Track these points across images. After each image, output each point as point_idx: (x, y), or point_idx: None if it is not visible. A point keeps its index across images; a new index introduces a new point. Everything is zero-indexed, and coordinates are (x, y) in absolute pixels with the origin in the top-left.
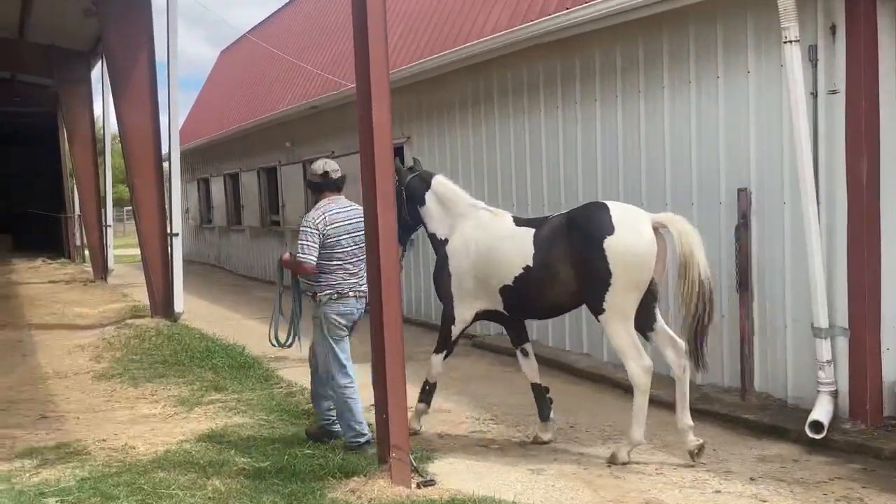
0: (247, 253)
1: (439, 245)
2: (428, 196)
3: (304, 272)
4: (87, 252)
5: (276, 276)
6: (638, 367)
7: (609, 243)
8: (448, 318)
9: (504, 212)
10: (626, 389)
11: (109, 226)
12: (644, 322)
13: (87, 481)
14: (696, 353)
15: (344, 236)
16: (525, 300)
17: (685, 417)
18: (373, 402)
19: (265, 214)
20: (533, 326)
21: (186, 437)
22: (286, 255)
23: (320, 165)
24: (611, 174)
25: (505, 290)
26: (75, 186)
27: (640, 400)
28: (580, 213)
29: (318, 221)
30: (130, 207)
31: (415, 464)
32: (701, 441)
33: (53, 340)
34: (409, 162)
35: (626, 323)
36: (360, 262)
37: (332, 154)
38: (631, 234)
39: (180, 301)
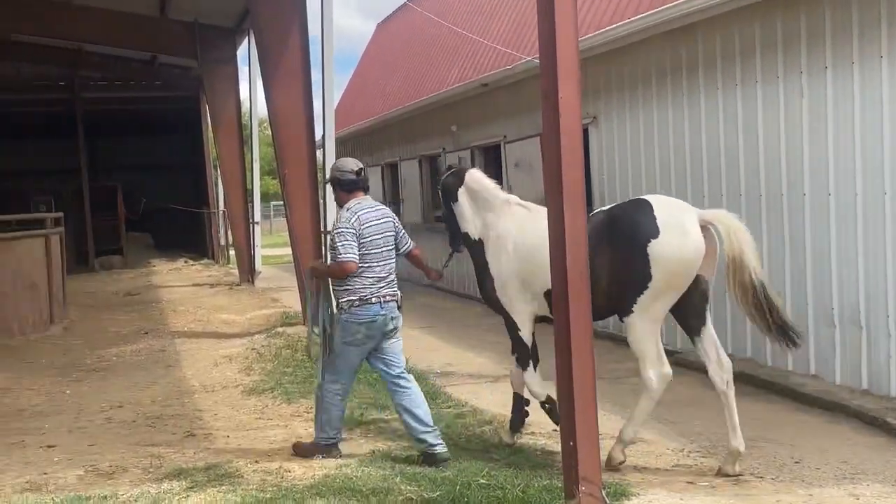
0: None
1: (472, 245)
2: (460, 192)
3: (349, 271)
4: (231, 252)
5: (307, 287)
6: (655, 373)
7: (653, 247)
8: (510, 325)
9: (541, 208)
10: (866, 421)
11: (257, 223)
12: (693, 325)
13: None
14: (783, 336)
15: (377, 236)
16: None
17: (735, 439)
18: (553, 427)
19: (427, 209)
20: (747, 342)
21: (346, 462)
22: (316, 264)
23: (353, 163)
24: (845, 155)
25: (548, 295)
26: (219, 179)
27: (646, 404)
28: (622, 213)
29: (352, 221)
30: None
31: (608, 501)
32: (739, 469)
33: (199, 350)
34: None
35: (654, 326)
36: (388, 265)
37: (505, 138)
38: (677, 237)
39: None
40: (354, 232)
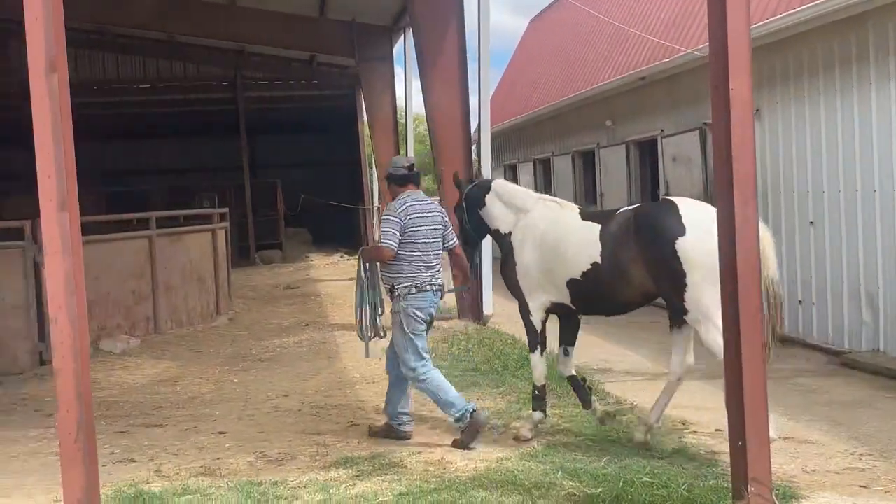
0: None
1: (502, 238)
2: (488, 198)
3: (384, 257)
4: None
5: (357, 269)
6: (679, 366)
7: (681, 244)
8: (524, 310)
9: (572, 205)
10: None
11: None
12: (677, 316)
13: (405, 497)
14: (774, 334)
15: (423, 228)
16: (594, 296)
17: (653, 415)
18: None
19: (581, 205)
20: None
21: (507, 455)
22: (366, 248)
23: (405, 160)
24: None
25: (572, 284)
26: (374, 175)
27: (668, 392)
28: (649, 213)
29: (399, 211)
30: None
31: (777, 502)
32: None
33: (358, 342)
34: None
35: (713, 320)
36: (436, 256)
37: (662, 132)
38: (703, 234)
39: (489, 302)
40: (399, 222)
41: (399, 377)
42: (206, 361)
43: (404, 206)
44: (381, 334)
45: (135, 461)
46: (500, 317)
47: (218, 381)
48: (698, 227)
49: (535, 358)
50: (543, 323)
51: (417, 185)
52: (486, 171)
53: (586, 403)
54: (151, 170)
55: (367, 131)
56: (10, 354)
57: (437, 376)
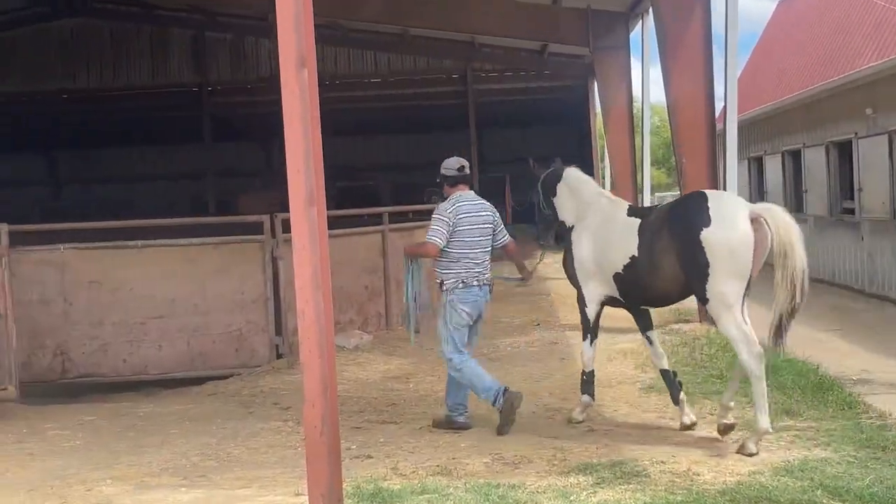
0: (810, 247)
1: (566, 232)
2: (560, 187)
3: (428, 253)
4: None
5: (404, 268)
6: (749, 355)
7: (705, 235)
8: (581, 300)
9: (623, 201)
10: None
11: None
12: None
13: None
14: (780, 330)
15: (472, 227)
16: (634, 288)
17: (727, 396)
18: None
19: (835, 200)
20: None
21: (758, 468)
22: (410, 244)
23: (456, 161)
24: None
25: (616, 278)
26: (607, 170)
27: (758, 386)
28: (680, 205)
29: (449, 211)
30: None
31: None
32: (734, 421)
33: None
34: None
35: (731, 311)
36: (484, 254)
37: None
38: (727, 226)
39: None
40: (447, 220)
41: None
42: (437, 359)
43: (454, 206)
44: (418, 329)
45: (371, 457)
46: None
47: None
48: (723, 219)
49: (586, 345)
50: (597, 314)
51: (469, 185)
52: (731, 164)
53: (675, 400)
54: (379, 166)
55: (599, 123)
56: (248, 348)
57: (473, 366)
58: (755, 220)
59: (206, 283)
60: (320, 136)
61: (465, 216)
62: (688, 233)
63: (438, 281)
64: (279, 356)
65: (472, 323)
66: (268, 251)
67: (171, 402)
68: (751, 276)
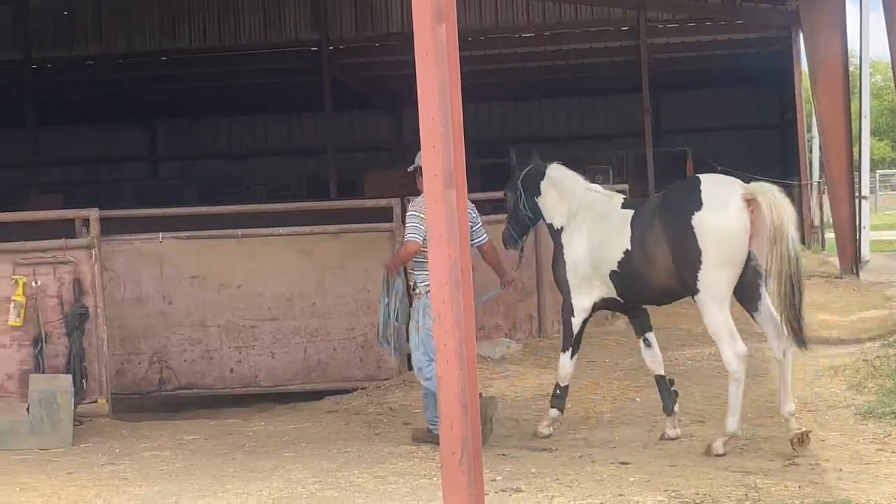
0: None
1: (556, 234)
2: (544, 185)
3: (409, 252)
4: (828, 235)
5: (381, 283)
6: (732, 353)
7: (697, 220)
8: (567, 309)
9: (617, 194)
10: None
11: (865, 197)
12: (749, 300)
13: None
14: (793, 329)
15: None
16: (632, 285)
17: (787, 404)
18: None
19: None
20: None
21: None
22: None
23: None
24: None
25: (613, 276)
26: (815, 141)
27: (734, 388)
28: (672, 190)
29: (423, 207)
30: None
31: None
32: (804, 429)
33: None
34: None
35: (722, 304)
36: None
37: None
38: (719, 209)
39: None
40: (424, 217)
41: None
42: (601, 374)
43: None
44: (398, 347)
45: (521, 491)
46: None
47: (616, 398)
48: (716, 202)
49: (564, 358)
50: (582, 326)
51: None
52: None
53: (667, 409)
54: (531, 138)
55: (806, 84)
56: (374, 357)
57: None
58: (751, 202)
59: (326, 280)
60: (460, 103)
61: None
62: (678, 217)
63: (412, 283)
64: (411, 367)
65: None
66: (398, 241)
67: (285, 420)
68: (757, 259)
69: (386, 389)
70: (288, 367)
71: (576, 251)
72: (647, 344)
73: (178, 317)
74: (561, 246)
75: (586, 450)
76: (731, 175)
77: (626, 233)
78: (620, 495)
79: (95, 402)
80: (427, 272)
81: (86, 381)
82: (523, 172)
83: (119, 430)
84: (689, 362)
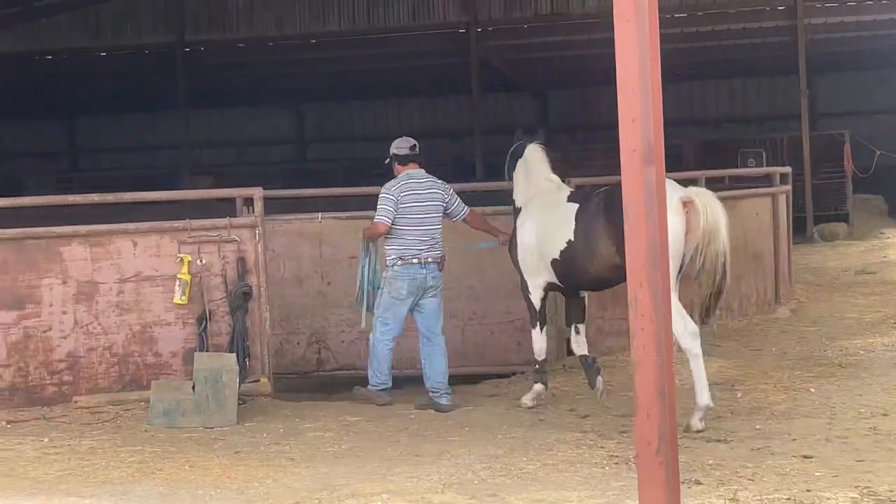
0: None
1: (515, 212)
2: (519, 163)
3: (378, 232)
4: None
5: (360, 249)
6: (685, 333)
7: None
8: (524, 287)
9: (567, 186)
10: None
11: None
12: None
13: None
14: (707, 310)
15: (418, 204)
16: (571, 273)
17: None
18: None
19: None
20: None
21: None
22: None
23: (406, 141)
24: None
25: (554, 264)
26: None
27: (695, 363)
28: (616, 189)
29: (395, 189)
30: None
31: None
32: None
33: None
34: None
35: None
36: (429, 232)
37: None
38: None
39: None
40: (393, 199)
41: (431, 350)
42: (769, 363)
43: (399, 185)
44: (371, 308)
45: (700, 483)
46: None
47: (788, 388)
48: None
49: (536, 333)
50: (543, 301)
51: (420, 164)
52: None
53: (592, 383)
54: (682, 119)
55: None
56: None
57: (386, 350)
58: (687, 204)
59: (483, 261)
60: (660, 74)
61: (410, 194)
62: (621, 215)
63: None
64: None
65: (410, 299)
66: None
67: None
68: (685, 260)
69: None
70: (402, 355)
71: (526, 235)
72: (577, 332)
73: (336, 297)
74: (516, 228)
75: (763, 441)
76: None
77: (571, 225)
78: (808, 490)
79: (258, 381)
80: (395, 247)
81: (248, 360)
82: (513, 147)
83: (282, 410)
84: (862, 352)
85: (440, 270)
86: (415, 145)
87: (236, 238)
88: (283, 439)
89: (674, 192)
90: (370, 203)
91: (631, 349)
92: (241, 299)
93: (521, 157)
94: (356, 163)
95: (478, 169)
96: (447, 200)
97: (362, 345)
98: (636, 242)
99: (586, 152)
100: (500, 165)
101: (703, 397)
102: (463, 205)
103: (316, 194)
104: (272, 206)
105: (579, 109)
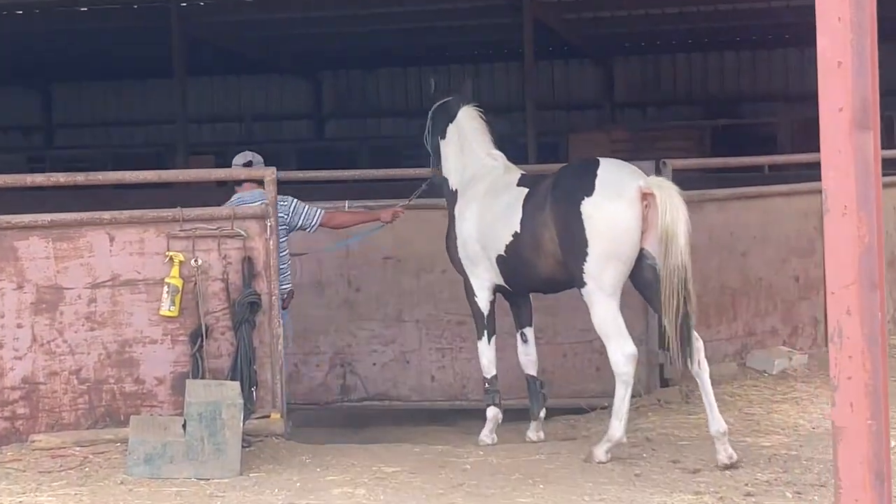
0: None
1: (449, 196)
2: (450, 129)
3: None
4: None
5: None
6: (620, 354)
7: (586, 207)
8: (468, 289)
9: (518, 168)
10: None
11: None
12: (655, 302)
13: None
14: (680, 346)
15: None
16: (517, 272)
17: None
18: None
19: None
20: None
21: None
22: None
23: (242, 157)
24: None
25: (500, 261)
26: None
27: (622, 391)
28: (567, 171)
29: (248, 201)
30: None
31: None
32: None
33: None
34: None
35: (609, 300)
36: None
37: None
38: (612, 199)
39: None
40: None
41: None
42: None
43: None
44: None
45: None
46: None
47: None
48: (610, 189)
49: (483, 345)
50: (491, 304)
51: (259, 182)
52: None
53: (533, 413)
54: (776, 95)
55: None
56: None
57: None
58: (648, 196)
59: None
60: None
61: None
62: (568, 202)
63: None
64: (665, 383)
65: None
66: None
67: (509, 449)
68: (654, 258)
69: (636, 411)
70: (503, 375)
71: (465, 226)
72: (524, 340)
73: (366, 308)
74: (453, 217)
75: None
76: None
77: (518, 214)
78: None
79: (267, 416)
80: (282, 283)
81: (255, 389)
82: (437, 104)
83: (298, 456)
84: None
85: (284, 309)
86: (250, 162)
87: (242, 232)
88: (300, 497)
89: (633, 180)
90: (400, 188)
91: (831, 408)
92: (246, 311)
93: (452, 121)
94: (385, 140)
95: (530, 150)
96: (287, 223)
97: (399, 368)
98: (840, 251)
99: (660, 131)
100: (553, 146)
101: (617, 430)
102: (309, 213)
103: (336, 177)
104: (285, 192)
105: (651, 80)
